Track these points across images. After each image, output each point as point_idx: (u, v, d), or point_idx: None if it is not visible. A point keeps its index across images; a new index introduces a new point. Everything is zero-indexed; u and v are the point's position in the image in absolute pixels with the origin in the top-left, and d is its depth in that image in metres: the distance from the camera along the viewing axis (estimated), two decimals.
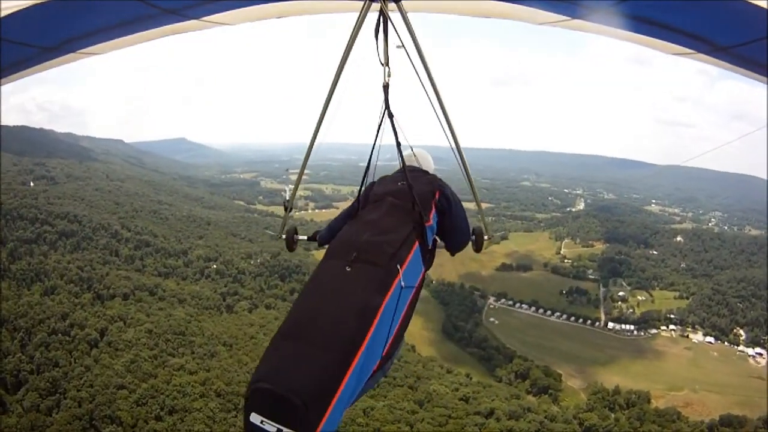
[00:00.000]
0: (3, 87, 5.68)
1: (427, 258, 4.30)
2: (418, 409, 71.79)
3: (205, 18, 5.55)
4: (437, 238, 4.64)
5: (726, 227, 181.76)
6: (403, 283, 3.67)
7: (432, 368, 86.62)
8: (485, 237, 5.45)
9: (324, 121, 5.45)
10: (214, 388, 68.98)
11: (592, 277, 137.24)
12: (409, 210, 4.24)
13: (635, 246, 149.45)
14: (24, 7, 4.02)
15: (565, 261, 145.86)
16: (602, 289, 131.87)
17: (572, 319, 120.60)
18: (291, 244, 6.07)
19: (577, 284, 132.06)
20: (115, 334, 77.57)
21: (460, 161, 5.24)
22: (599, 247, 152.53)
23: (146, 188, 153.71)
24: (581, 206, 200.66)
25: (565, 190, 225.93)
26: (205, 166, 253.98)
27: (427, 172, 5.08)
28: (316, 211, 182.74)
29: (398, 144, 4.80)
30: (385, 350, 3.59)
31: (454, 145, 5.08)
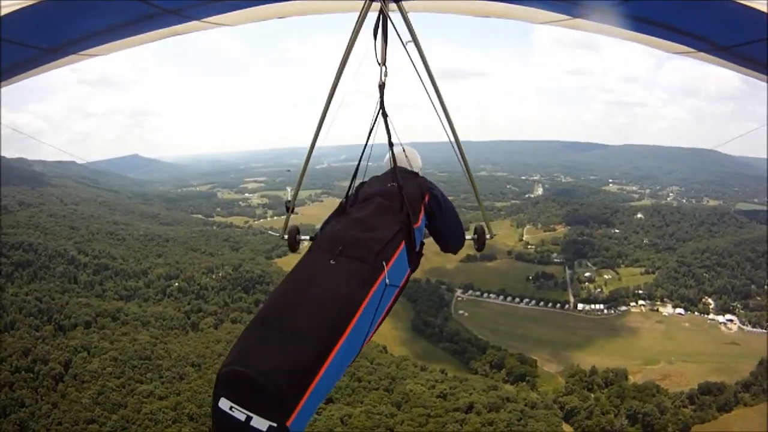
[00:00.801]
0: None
1: (414, 259, 4.21)
2: (397, 412, 70.83)
3: (205, 19, 5.64)
4: (423, 242, 4.57)
5: (684, 200, 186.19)
6: (387, 281, 3.63)
7: (406, 368, 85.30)
8: (487, 236, 5.74)
9: (324, 121, 5.41)
10: (186, 412, 67.66)
11: (557, 260, 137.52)
12: (398, 210, 4.22)
13: (597, 226, 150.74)
14: (25, 5, 3.98)
15: (529, 247, 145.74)
16: (568, 272, 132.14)
17: (541, 304, 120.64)
18: (293, 244, 5.97)
19: (542, 269, 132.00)
20: (79, 365, 74.58)
21: (460, 159, 5.44)
22: (561, 230, 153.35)
23: (101, 209, 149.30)
24: (540, 192, 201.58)
25: (523, 177, 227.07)
26: (160, 181, 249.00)
27: (417, 175, 5.11)
28: (275, 218, 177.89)
29: (391, 145, 4.77)
30: (362, 345, 3.52)
31: (455, 144, 5.28)
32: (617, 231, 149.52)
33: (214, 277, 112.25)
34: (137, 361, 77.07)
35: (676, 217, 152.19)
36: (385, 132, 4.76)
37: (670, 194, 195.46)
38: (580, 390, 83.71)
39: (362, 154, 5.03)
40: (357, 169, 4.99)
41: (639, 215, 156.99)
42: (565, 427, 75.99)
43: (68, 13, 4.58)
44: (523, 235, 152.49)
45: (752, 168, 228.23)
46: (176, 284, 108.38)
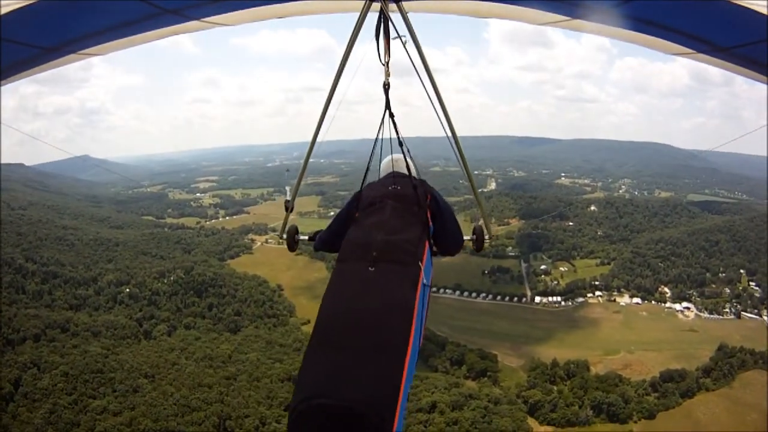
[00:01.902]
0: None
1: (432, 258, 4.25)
2: None
3: (205, 19, 5.68)
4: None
5: (636, 193, 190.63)
6: (425, 281, 3.64)
7: None
8: (486, 237, 5.99)
9: (325, 121, 5.56)
10: (142, 428, 65.45)
11: (513, 254, 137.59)
12: (414, 212, 4.24)
13: (551, 219, 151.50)
14: (25, 4, 4.05)
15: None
16: (524, 265, 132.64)
17: (498, 298, 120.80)
18: (292, 244, 6.02)
19: (498, 263, 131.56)
20: (29, 383, 70.94)
21: (459, 157, 5.66)
22: (516, 224, 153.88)
23: (50, 213, 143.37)
24: (493, 186, 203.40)
25: (476, 172, 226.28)
26: (110, 182, 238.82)
27: (414, 178, 4.88)
28: (227, 218, 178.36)
29: (400, 143, 4.88)
30: (419, 346, 3.52)
31: (454, 143, 5.44)
32: (571, 224, 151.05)
33: (165, 281, 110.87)
34: (89, 375, 74.39)
35: (629, 209, 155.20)
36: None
37: (622, 187, 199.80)
38: (543, 383, 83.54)
39: (371, 155, 5.09)
40: (367, 170, 5.07)
41: (592, 207, 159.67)
42: (530, 421, 75.42)
43: (68, 12, 4.59)
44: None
45: (701, 160, 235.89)
46: (127, 290, 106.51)
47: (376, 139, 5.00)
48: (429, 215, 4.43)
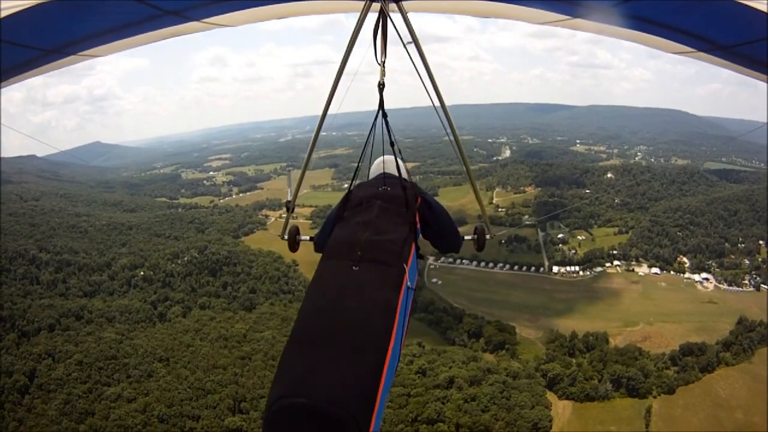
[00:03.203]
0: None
1: (417, 262, 4.18)
2: None
3: (206, 20, 5.67)
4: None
5: (653, 160, 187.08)
6: (409, 283, 3.58)
7: None
8: (487, 236, 5.91)
9: (324, 121, 5.61)
10: (156, 414, 65.18)
11: (529, 222, 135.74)
12: (402, 213, 4.18)
13: (567, 187, 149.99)
14: (25, 7, 4.05)
15: (499, 210, 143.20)
16: (541, 234, 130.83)
17: (515, 267, 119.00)
18: (293, 245, 5.75)
19: (515, 232, 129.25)
20: (44, 374, 70.95)
21: (459, 156, 5.80)
22: (531, 192, 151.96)
23: (63, 202, 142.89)
24: (507, 154, 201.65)
25: (489, 140, 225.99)
26: (123, 167, 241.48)
27: (404, 180, 4.81)
28: (241, 195, 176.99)
29: (392, 144, 4.90)
30: (400, 350, 3.42)
31: (454, 143, 5.55)
32: (588, 191, 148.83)
33: (179, 262, 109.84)
34: (103, 362, 74.34)
35: (646, 177, 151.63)
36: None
37: (638, 154, 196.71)
38: (562, 356, 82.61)
39: (362, 153, 5.05)
40: (357, 169, 4.97)
41: (609, 175, 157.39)
42: (549, 395, 74.48)
43: (69, 14, 4.56)
44: (493, 198, 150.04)
45: (718, 128, 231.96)
46: (141, 273, 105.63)
47: (368, 139, 4.94)
48: (418, 217, 4.36)
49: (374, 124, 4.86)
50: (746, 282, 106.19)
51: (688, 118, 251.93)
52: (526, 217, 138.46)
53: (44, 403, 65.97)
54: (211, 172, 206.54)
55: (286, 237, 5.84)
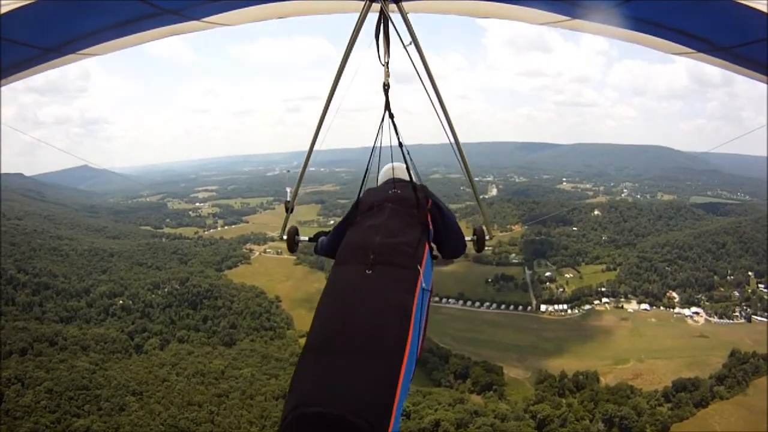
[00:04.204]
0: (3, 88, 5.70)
1: (433, 262, 4.13)
2: None
3: (205, 19, 5.63)
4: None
5: (639, 196, 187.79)
6: (424, 285, 3.51)
7: None
8: (487, 237, 5.85)
9: (325, 121, 5.54)
10: None
11: (516, 261, 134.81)
12: (413, 214, 4.12)
13: (554, 225, 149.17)
14: (24, 4, 4.01)
15: (486, 248, 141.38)
16: (528, 272, 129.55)
17: (502, 307, 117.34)
18: (292, 245, 5.80)
19: (501, 271, 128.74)
20: (12, 399, 67.47)
21: (459, 158, 5.54)
22: (518, 230, 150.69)
23: (46, 224, 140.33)
24: (494, 192, 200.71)
25: (476, 179, 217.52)
26: (109, 192, 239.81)
27: (414, 183, 4.74)
28: (226, 227, 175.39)
29: (400, 144, 4.80)
30: (417, 355, 3.33)
31: (454, 143, 5.34)
32: (575, 229, 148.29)
33: (160, 293, 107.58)
34: (74, 392, 70.61)
35: (633, 213, 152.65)
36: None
37: (624, 190, 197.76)
38: (551, 396, 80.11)
39: (370, 157, 5.05)
40: (367, 171, 4.98)
41: (596, 212, 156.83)
42: None
43: (67, 12, 4.55)
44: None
45: (702, 162, 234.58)
46: (120, 302, 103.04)
47: (376, 139, 4.91)
48: (429, 219, 4.25)
49: (381, 125, 4.85)
50: (737, 314, 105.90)
51: (672, 153, 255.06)
52: (513, 255, 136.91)
53: (10, 430, 62.88)
54: (198, 203, 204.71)
55: (285, 237, 5.88)
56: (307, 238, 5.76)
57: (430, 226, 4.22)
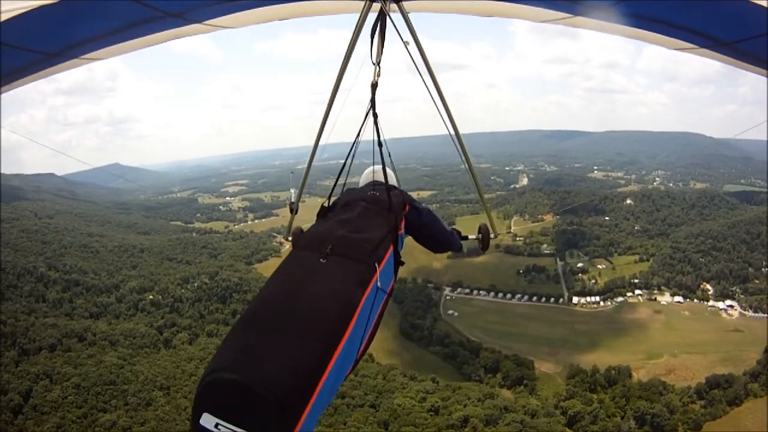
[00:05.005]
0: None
1: (396, 268, 4.14)
2: None
3: (207, 21, 5.67)
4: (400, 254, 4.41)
5: (671, 184, 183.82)
6: (379, 284, 3.46)
7: (394, 378, 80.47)
8: (492, 235, 6.06)
9: (327, 122, 5.66)
10: None
11: (548, 251, 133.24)
12: (385, 215, 4.15)
13: (586, 215, 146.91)
14: (26, 10, 4.03)
15: (517, 239, 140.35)
16: (560, 263, 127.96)
17: (534, 299, 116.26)
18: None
19: (533, 262, 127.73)
20: (40, 395, 68.43)
21: (462, 155, 5.73)
22: (550, 220, 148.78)
23: (77, 222, 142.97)
24: (525, 182, 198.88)
25: (507, 168, 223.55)
26: (140, 189, 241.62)
27: (394, 188, 4.84)
28: (256, 221, 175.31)
29: (380, 144, 4.83)
30: (358, 353, 3.29)
31: (457, 142, 5.55)
32: (607, 218, 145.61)
33: (189, 287, 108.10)
34: (101, 387, 71.53)
35: (666, 202, 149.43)
36: (369, 131, 4.83)
37: (656, 179, 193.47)
38: (582, 392, 79.22)
39: (350, 152, 5.03)
40: (343, 167, 4.99)
41: (628, 201, 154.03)
42: None
43: (70, 16, 4.55)
44: (511, 227, 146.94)
45: (735, 149, 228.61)
46: (150, 297, 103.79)
47: (357, 137, 4.92)
48: (404, 224, 4.38)
49: (363, 123, 4.83)
50: None
51: (704, 140, 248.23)
52: (545, 246, 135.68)
53: (36, 425, 63.99)
54: (228, 198, 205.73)
55: (290, 239, 6.01)
56: None
57: (401, 231, 4.26)
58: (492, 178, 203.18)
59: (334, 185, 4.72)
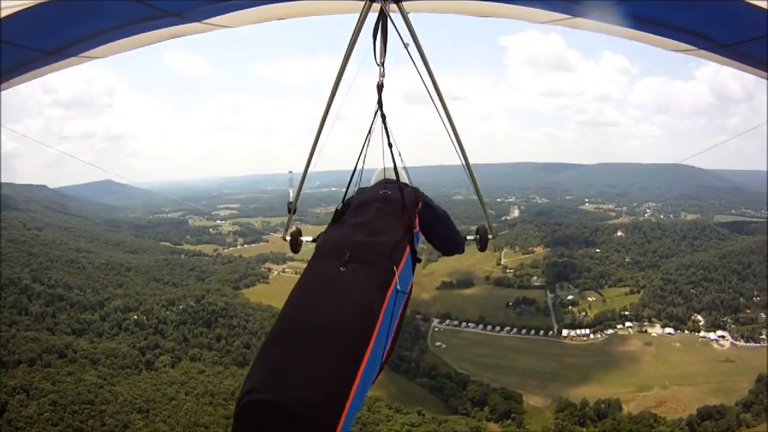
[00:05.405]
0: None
1: (414, 266, 4.13)
2: None
3: (206, 20, 5.66)
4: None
5: (662, 216, 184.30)
6: (398, 287, 3.51)
7: (379, 410, 79.00)
8: (490, 236, 5.98)
9: (326, 122, 5.63)
10: None
11: (538, 284, 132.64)
12: (399, 215, 4.16)
13: (577, 247, 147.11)
14: (24, 7, 4.07)
15: (507, 271, 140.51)
16: (550, 296, 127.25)
17: (523, 331, 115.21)
18: (295, 245, 6.03)
19: (522, 294, 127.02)
20: (15, 409, 66.88)
21: (461, 155, 5.54)
22: (540, 252, 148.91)
23: (65, 236, 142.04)
24: (516, 213, 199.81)
25: (498, 200, 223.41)
26: (131, 207, 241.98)
27: (406, 185, 4.84)
28: (245, 246, 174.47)
29: (390, 145, 4.84)
30: (383, 359, 3.39)
31: (456, 143, 5.39)
32: (598, 250, 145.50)
33: (174, 309, 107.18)
34: (78, 406, 69.98)
35: (657, 233, 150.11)
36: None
37: (647, 210, 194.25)
38: (572, 426, 78.69)
39: (359, 157, 5.01)
40: (354, 172, 4.98)
41: (619, 233, 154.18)
42: None
43: (68, 14, 4.59)
44: (500, 259, 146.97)
45: (725, 180, 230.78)
46: (134, 317, 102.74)
47: (366, 138, 4.96)
48: (418, 221, 4.35)
49: (372, 124, 4.87)
50: (764, 337, 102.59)
51: (695, 171, 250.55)
52: (535, 278, 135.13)
53: None
54: (219, 221, 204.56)
55: (288, 238, 6.02)
56: (310, 239, 5.72)
57: (416, 229, 4.23)
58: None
59: (346, 192, 4.77)
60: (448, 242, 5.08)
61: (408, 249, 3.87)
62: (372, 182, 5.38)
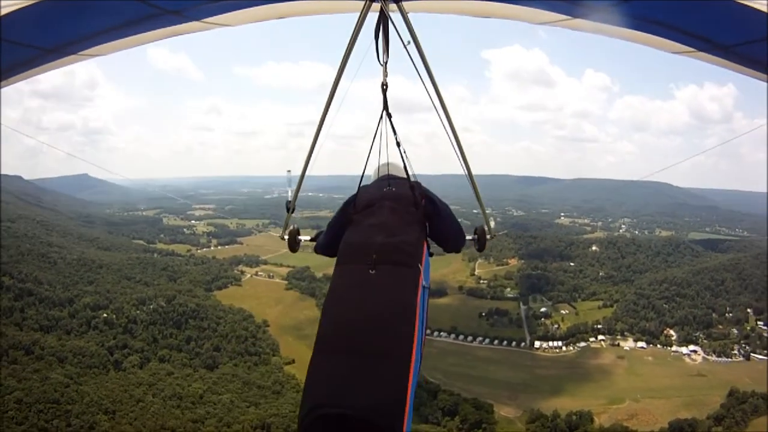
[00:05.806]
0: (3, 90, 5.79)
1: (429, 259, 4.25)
2: None
3: (206, 19, 5.71)
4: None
5: (637, 232, 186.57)
6: (424, 283, 3.65)
7: None
8: (488, 236, 6.06)
9: (325, 123, 5.61)
10: None
11: (511, 295, 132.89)
12: (412, 212, 4.23)
13: (551, 260, 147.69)
14: (24, 5, 4.08)
15: (481, 282, 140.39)
16: (523, 307, 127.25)
17: (495, 342, 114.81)
18: (293, 245, 6.13)
19: (496, 305, 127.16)
20: None
21: (459, 155, 5.54)
22: (515, 264, 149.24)
23: (38, 229, 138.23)
24: (492, 225, 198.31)
25: (474, 211, 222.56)
26: (106, 203, 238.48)
27: (408, 180, 4.85)
28: (219, 247, 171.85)
29: (398, 144, 4.87)
30: (421, 353, 3.51)
31: (455, 143, 5.39)
32: (572, 264, 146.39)
33: (145, 309, 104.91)
34: (44, 405, 68.82)
35: (631, 249, 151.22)
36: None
37: (622, 226, 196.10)
38: None
39: (368, 157, 4.96)
40: (364, 171, 4.88)
41: (594, 248, 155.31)
42: None
43: (68, 13, 4.62)
44: (474, 270, 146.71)
45: (700, 198, 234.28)
46: (103, 315, 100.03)
47: (374, 138, 4.88)
48: (425, 216, 4.34)
49: (378, 125, 4.83)
50: (735, 352, 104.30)
51: (671, 189, 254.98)
52: (509, 289, 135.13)
53: None
54: (193, 221, 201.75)
55: (286, 237, 6.12)
56: (308, 238, 5.88)
57: (426, 224, 4.26)
58: (459, 220, 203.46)
59: (357, 191, 4.59)
60: (452, 237, 4.95)
61: (425, 244, 3.95)
62: (373, 178, 5.36)
